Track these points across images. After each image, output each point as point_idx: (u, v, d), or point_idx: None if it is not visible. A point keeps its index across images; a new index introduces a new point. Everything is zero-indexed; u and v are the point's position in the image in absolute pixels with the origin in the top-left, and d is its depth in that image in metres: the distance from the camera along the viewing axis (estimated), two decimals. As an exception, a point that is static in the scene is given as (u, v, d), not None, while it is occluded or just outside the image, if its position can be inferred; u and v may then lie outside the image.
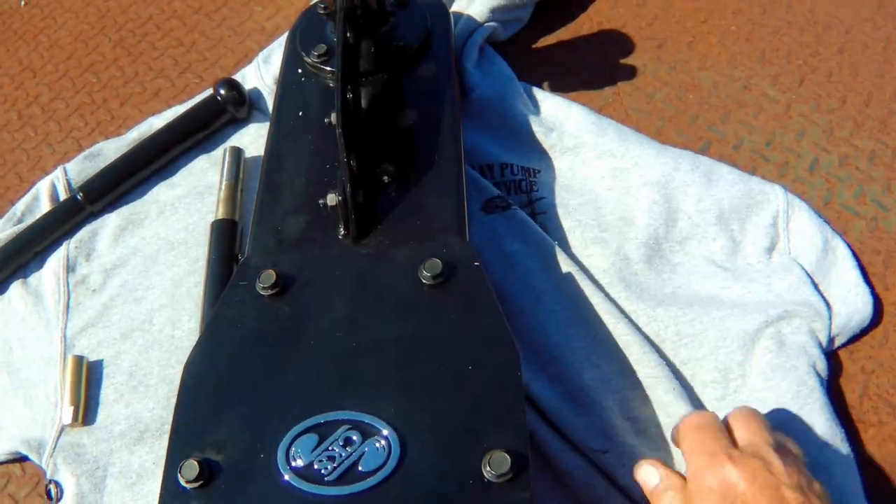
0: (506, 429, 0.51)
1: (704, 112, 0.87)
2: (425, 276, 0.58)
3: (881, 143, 0.83)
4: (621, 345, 0.67)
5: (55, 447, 0.72)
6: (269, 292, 0.60)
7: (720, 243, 0.74)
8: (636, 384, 0.66)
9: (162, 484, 0.52)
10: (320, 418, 0.53)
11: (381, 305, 0.59)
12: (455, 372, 0.54)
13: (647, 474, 0.55)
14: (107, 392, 0.74)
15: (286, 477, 0.51)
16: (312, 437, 0.52)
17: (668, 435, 0.63)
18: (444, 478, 0.50)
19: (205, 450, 0.53)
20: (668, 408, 0.65)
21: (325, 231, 0.64)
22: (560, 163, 0.80)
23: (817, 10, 0.97)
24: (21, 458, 0.75)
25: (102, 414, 0.73)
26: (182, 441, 0.54)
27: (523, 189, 0.78)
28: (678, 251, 0.74)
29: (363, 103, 0.72)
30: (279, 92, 0.77)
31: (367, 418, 0.52)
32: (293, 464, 0.51)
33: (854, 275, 0.72)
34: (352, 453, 0.51)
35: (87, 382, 0.74)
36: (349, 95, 0.67)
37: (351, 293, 0.60)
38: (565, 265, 0.71)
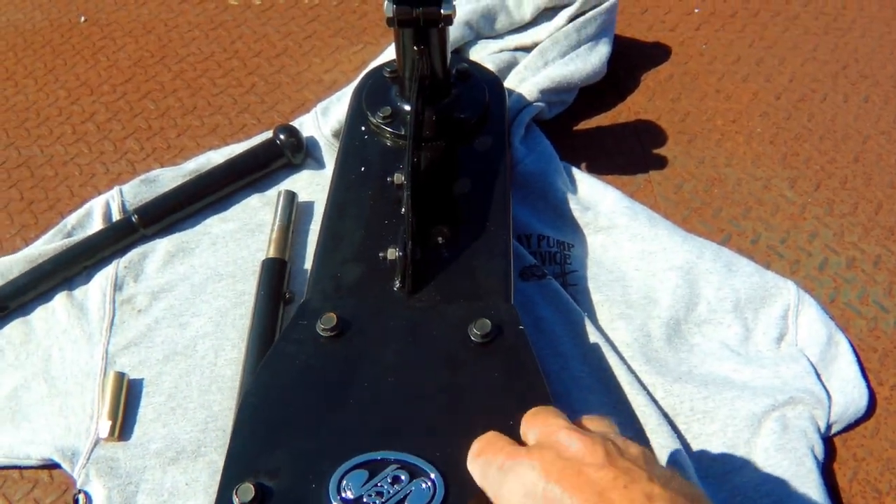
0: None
1: (727, 206, 0.93)
2: (475, 333, 0.63)
3: (887, 249, 0.89)
4: (639, 415, 0.72)
5: (89, 458, 0.74)
6: (328, 333, 0.64)
7: (735, 330, 0.79)
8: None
9: (216, 506, 0.56)
10: (371, 455, 0.57)
11: (432, 356, 0.63)
12: (497, 424, 0.58)
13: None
14: (145, 411, 0.77)
15: (337, 507, 0.55)
16: (363, 473, 0.56)
17: None
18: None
19: (259, 475, 0.56)
20: None
21: (382, 282, 0.69)
22: (593, 240, 0.86)
23: (837, 120, 1.04)
24: (50, 466, 0.77)
25: (139, 431, 0.76)
26: (238, 465, 0.58)
27: (557, 261, 0.84)
28: (696, 333, 0.79)
29: (422, 167, 0.78)
30: (343, 146, 0.83)
31: (414, 459, 0.56)
32: (343, 495, 0.55)
33: (853, 369, 0.77)
34: (399, 490, 0.55)
35: (126, 399, 0.77)
36: (416, 160, 0.72)
37: (404, 342, 0.64)
38: (593, 336, 0.76)
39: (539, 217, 0.87)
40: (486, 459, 0.52)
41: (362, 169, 0.80)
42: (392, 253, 0.68)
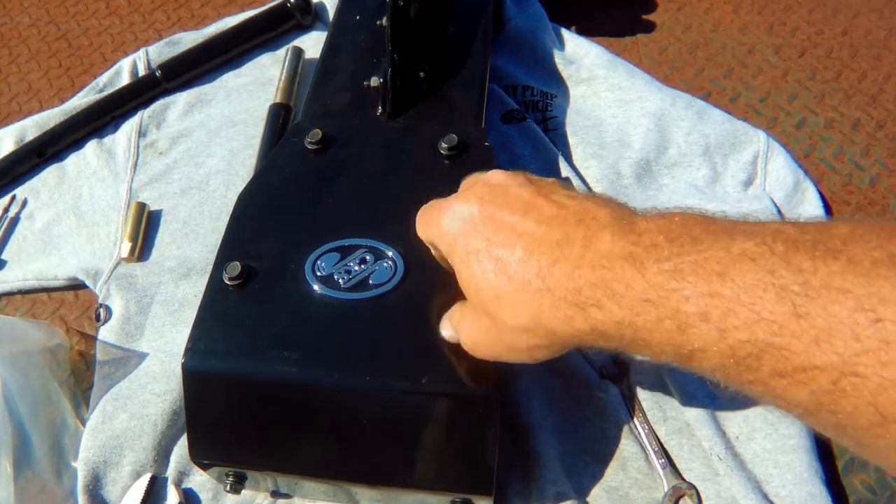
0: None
1: (709, 67, 0.98)
2: (443, 147, 0.70)
3: (867, 114, 0.93)
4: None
5: (110, 276, 0.84)
6: (314, 147, 0.72)
7: (703, 172, 0.85)
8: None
9: (208, 281, 0.64)
10: (343, 241, 0.64)
11: (405, 166, 0.71)
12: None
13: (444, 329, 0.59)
14: (162, 236, 0.86)
15: (310, 282, 0.62)
16: (335, 255, 0.64)
17: None
18: (433, 297, 0.61)
19: (246, 258, 0.64)
20: None
21: (366, 108, 0.76)
22: (575, 91, 0.92)
23: (829, -5, 1.07)
24: (75, 287, 0.87)
25: (156, 253, 0.85)
26: (228, 250, 0.66)
27: (539, 108, 0.90)
28: (665, 174, 0.85)
29: (412, 13, 0.84)
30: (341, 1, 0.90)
31: (380, 245, 0.64)
32: (317, 273, 0.63)
33: (820, 213, 0.82)
34: (365, 269, 0.63)
35: (146, 226, 0.87)
36: (401, 3, 0.78)
37: (380, 155, 0.72)
38: (565, 170, 0.83)
39: (526, 70, 0.93)
40: (426, 215, 0.57)
41: (357, 17, 0.86)
42: (375, 81, 0.75)
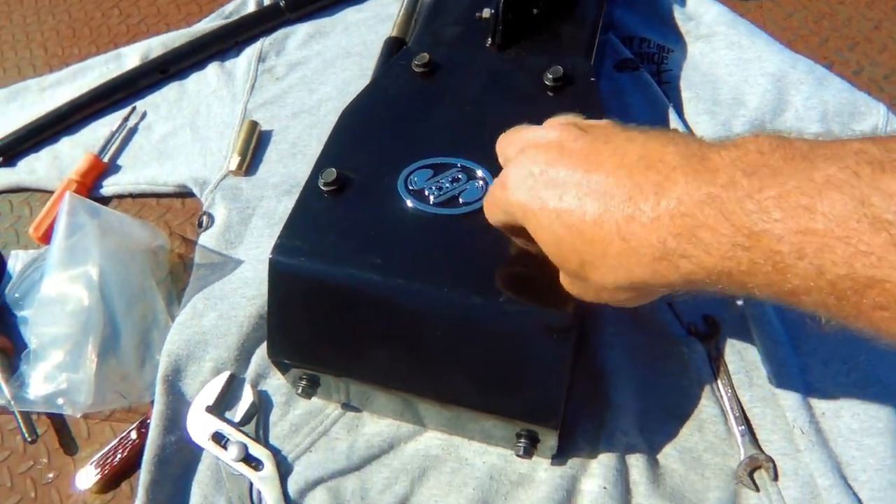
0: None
1: (834, 38, 0.94)
2: (548, 77, 0.69)
3: None
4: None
5: (217, 186, 0.87)
6: (421, 70, 0.72)
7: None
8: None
9: (304, 185, 0.66)
10: (437, 159, 0.65)
11: (506, 94, 0.70)
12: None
13: None
14: (270, 155, 0.89)
15: (401, 194, 0.63)
16: (428, 171, 0.64)
17: None
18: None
19: (343, 166, 0.65)
20: None
21: (476, 38, 0.76)
22: (693, 47, 0.89)
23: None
24: (182, 194, 0.91)
25: (262, 169, 0.88)
26: (326, 158, 0.67)
27: (655, 61, 0.88)
28: (779, 137, 0.82)
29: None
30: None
31: (474, 165, 0.64)
32: (409, 187, 0.64)
33: None
34: (456, 187, 0.63)
35: (256, 144, 0.89)
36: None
37: (484, 83, 0.72)
38: (674, 122, 0.81)
39: (644, 23, 0.92)
40: (502, 150, 0.55)
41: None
42: (486, 12, 0.75)
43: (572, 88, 0.69)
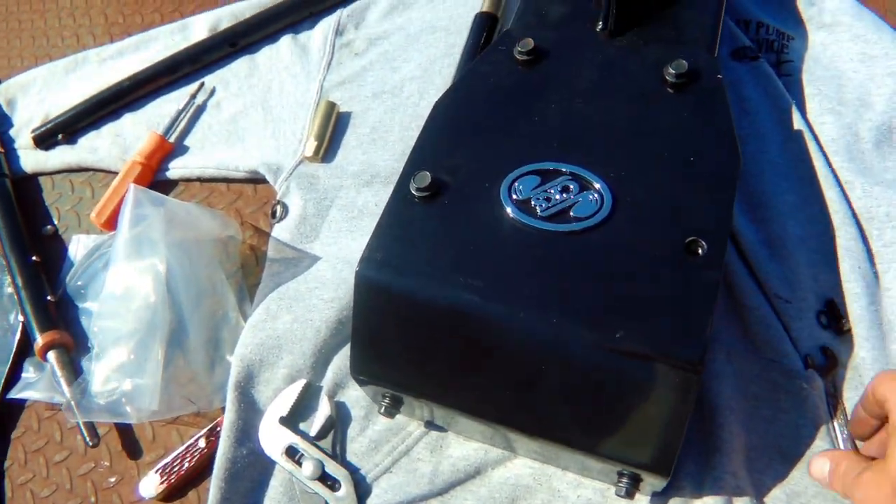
0: (709, 215, 0.55)
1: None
2: (670, 73, 0.61)
3: None
4: (828, 210, 0.69)
5: (291, 173, 0.81)
6: (524, 58, 0.65)
7: (953, 149, 0.73)
8: (830, 250, 0.67)
9: (394, 189, 0.60)
10: (546, 164, 0.58)
11: (622, 90, 0.63)
12: (677, 159, 0.57)
13: (819, 465, 0.54)
14: (348, 139, 0.83)
15: (505, 204, 0.56)
16: (535, 178, 0.58)
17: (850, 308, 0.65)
18: (642, 244, 0.54)
19: (438, 170, 0.59)
20: (846, 283, 0.66)
21: (585, 21, 0.68)
22: (814, 36, 0.81)
23: None
24: (254, 180, 0.85)
25: (340, 155, 0.82)
26: (419, 158, 0.61)
27: (774, 49, 0.79)
28: (909, 145, 0.74)
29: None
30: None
31: (587, 173, 0.57)
32: (514, 196, 0.57)
33: None
34: (567, 199, 0.56)
35: (334, 127, 0.83)
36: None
37: (597, 74, 0.64)
38: (797, 123, 0.73)
39: (761, 6, 0.83)
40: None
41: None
42: (599, -8, 0.67)
43: (697, 87, 0.62)
